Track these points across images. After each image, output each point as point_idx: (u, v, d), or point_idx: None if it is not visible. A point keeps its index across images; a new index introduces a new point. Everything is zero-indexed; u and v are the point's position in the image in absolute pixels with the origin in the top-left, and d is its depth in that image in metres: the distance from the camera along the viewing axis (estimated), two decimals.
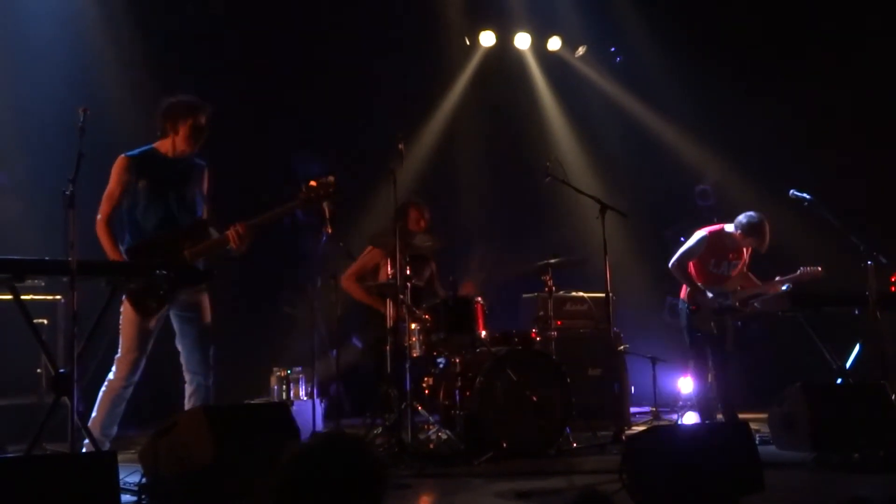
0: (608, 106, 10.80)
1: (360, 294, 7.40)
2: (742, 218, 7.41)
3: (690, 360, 7.53)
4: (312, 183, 5.72)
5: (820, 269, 7.52)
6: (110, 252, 5.51)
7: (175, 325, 5.66)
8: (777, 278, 7.56)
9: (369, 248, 7.45)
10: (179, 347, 5.67)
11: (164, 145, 5.73)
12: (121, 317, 5.51)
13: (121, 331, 5.53)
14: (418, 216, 7.37)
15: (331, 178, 5.75)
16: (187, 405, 5.60)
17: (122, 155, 5.67)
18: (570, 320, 8.44)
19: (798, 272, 7.53)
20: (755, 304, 7.20)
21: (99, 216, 5.53)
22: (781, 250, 7.65)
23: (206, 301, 5.70)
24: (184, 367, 5.66)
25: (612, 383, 7.71)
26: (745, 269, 7.63)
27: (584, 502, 3.24)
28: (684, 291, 7.53)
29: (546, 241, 9.46)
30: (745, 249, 7.54)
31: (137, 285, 5.30)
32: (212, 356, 5.67)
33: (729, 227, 7.48)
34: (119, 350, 5.55)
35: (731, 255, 7.50)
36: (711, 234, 7.48)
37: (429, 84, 10.40)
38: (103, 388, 5.55)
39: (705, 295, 7.34)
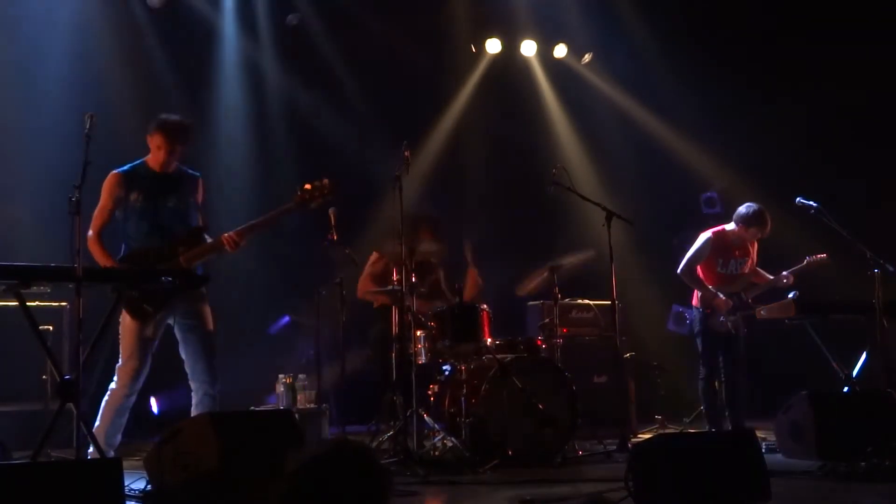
0: (614, 113, 10.79)
1: (371, 296, 7.41)
2: (741, 209, 7.44)
3: (701, 366, 7.50)
4: (307, 185, 5.74)
5: (825, 255, 7.49)
6: (103, 264, 5.52)
7: (178, 335, 5.65)
8: (784, 272, 7.53)
9: (375, 254, 7.46)
10: (183, 357, 5.66)
11: (152, 161, 5.77)
12: (119, 325, 5.51)
13: (120, 339, 5.54)
14: (429, 229, 7.32)
15: (325, 181, 5.77)
16: (193, 414, 5.57)
17: (113, 171, 5.72)
18: (576, 327, 8.43)
19: (805, 262, 7.50)
20: (762, 313, 7.19)
21: (90, 232, 5.56)
22: (788, 259, 7.62)
23: (207, 309, 5.71)
24: (189, 377, 5.65)
25: (617, 391, 7.69)
26: (753, 266, 7.62)
27: None
28: (696, 298, 7.52)
29: (551, 247, 9.44)
30: (749, 245, 7.54)
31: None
32: (217, 364, 5.66)
33: (730, 226, 7.50)
34: (119, 359, 5.56)
35: (736, 253, 7.50)
36: (715, 234, 7.50)
37: (435, 91, 10.41)
38: (106, 398, 5.56)
39: (718, 296, 7.33)
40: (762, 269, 7.72)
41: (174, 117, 5.79)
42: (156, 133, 5.70)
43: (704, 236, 7.51)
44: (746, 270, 7.55)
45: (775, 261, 7.73)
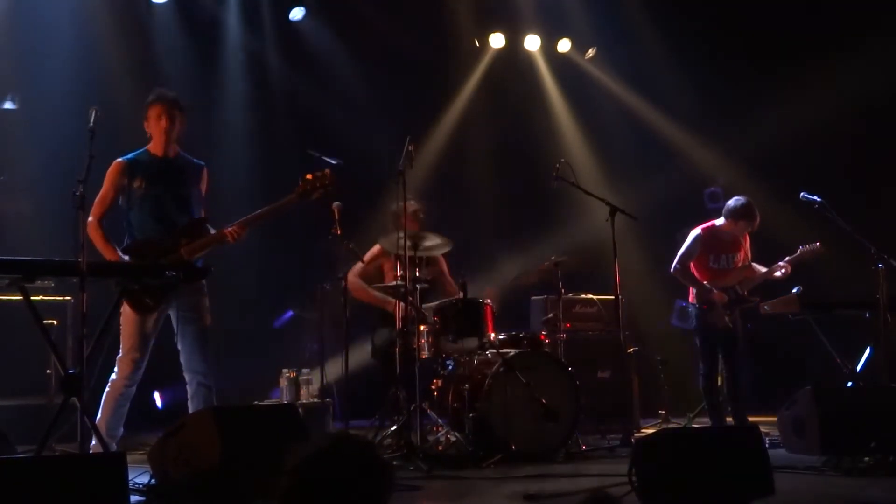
0: (618, 108, 10.78)
1: (362, 293, 7.39)
2: (730, 203, 7.43)
3: (701, 362, 7.50)
4: (308, 176, 5.74)
5: (819, 243, 7.45)
6: (104, 251, 5.54)
7: (175, 326, 5.67)
8: (780, 262, 7.50)
9: (376, 247, 7.45)
10: (179, 348, 5.68)
11: (153, 146, 5.78)
12: (120, 317, 5.52)
13: (121, 331, 5.56)
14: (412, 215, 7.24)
15: (327, 171, 5.77)
16: (190, 406, 5.63)
17: (117, 160, 5.73)
18: (580, 322, 8.42)
19: (798, 251, 7.48)
20: (765, 308, 7.18)
21: (90, 218, 5.54)
22: (789, 254, 7.60)
23: (205, 302, 5.73)
24: (184, 368, 5.68)
25: (621, 386, 7.69)
26: (747, 260, 7.59)
27: None
28: (692, 294, 7.51)
29: (555, 243, 9.44)
30: (741, 238, 7.51)
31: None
32: (211, 355, 5.68)
33: (719, 221, 7.48)
34: (120, 350, 5.58)
35: (728, 247, 7.48)
36: (704, 230, 7.48)
37: (439, 85, 10.41)
38: (107, 389, 5.58)
39: (713, 291, 7.31)
40: (762, 262, 7.70)
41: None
42: (154, 104, 5.73)
43: (694, 233, 7.50)
44: (739, 264, 7.52)
45: (777, 257, 7.71)
